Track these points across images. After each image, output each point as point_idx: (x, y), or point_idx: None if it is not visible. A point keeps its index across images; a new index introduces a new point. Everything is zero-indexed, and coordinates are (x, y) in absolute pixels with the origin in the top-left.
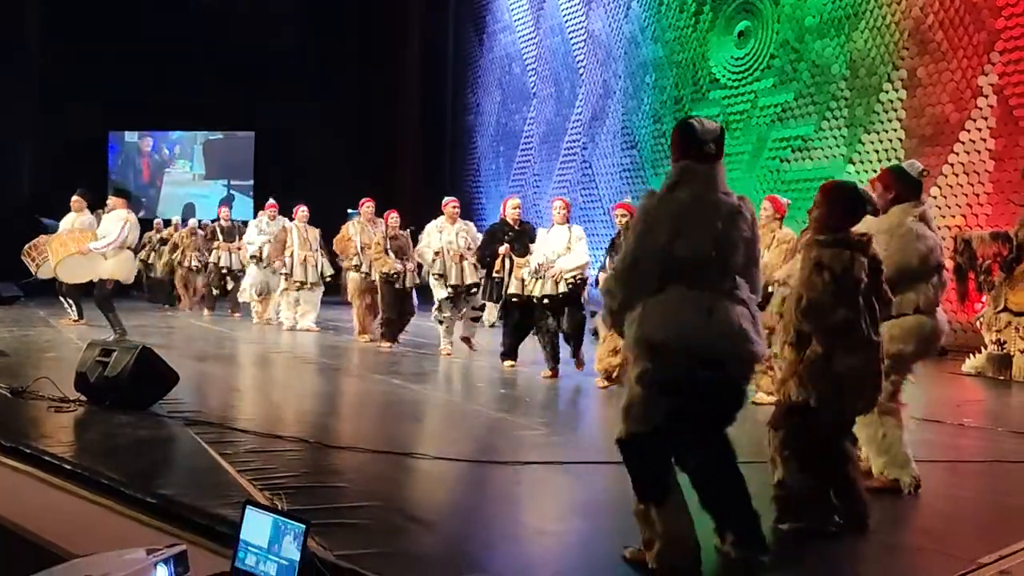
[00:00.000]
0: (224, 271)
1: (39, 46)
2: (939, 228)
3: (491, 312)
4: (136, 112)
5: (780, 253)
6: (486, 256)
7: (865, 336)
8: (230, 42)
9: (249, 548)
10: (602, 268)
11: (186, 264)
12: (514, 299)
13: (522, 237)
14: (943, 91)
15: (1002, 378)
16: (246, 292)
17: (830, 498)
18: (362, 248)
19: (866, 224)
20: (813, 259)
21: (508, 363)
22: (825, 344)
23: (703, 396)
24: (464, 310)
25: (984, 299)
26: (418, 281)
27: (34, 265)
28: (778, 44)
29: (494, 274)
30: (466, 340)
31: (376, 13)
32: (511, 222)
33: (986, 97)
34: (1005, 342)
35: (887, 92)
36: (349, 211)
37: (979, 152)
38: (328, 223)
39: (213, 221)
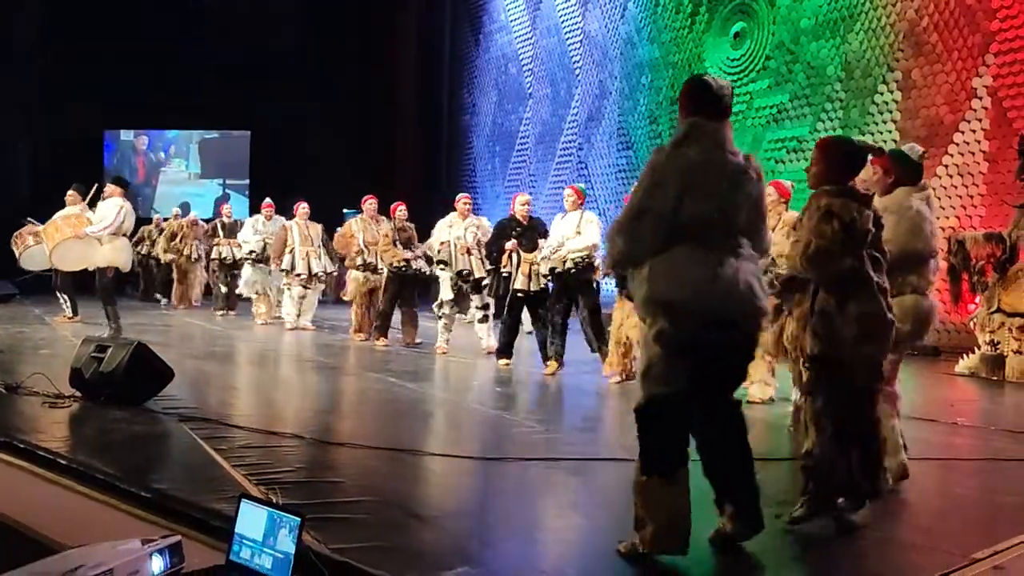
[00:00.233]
0: (228, 263)
1: (38, 46)
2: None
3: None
4: (135, 111)
5: (786, 235)
6: (493, 251)
7: (875, 282)
8: (229, 42)
9: (244, 541)
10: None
11: (186, 252)
12: (519, 294)
13: (530, 232)
14: (937, 93)
15: (995, 378)
16: (245, 290)
17: (846, 465)
18: (365, 245)
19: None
20: (822, 207)
21: (503, 361)
22: (836, 292)
23: (717, 357)
24: (470, 310)
25: (977, 300)
26: (426, 272)
27: (18, 251)
28: (774, 46)
29: (501, 269)
30: (493, 352)
31: (373, 13)
32: (520, 218)
33: (980, 99)
34: (998, 343)
35: (882, 94)
36: (345, 211)
37: (973, 154)
38: (324, 222)
39: (215, 217)
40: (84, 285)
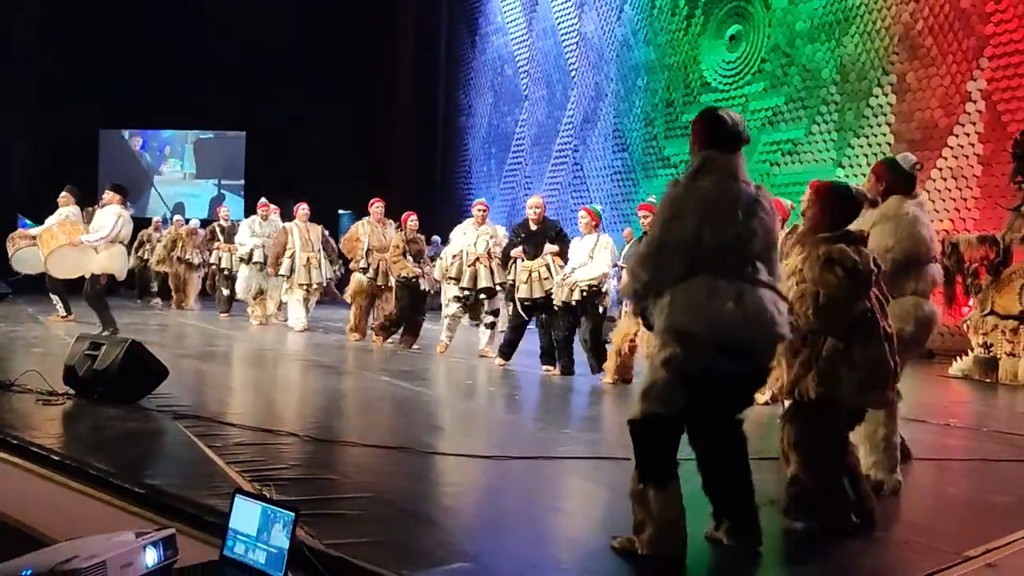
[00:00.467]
0: (227, 272)
1: (38, 46)
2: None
3: (505, 318)
4: (134, 111)
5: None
6: (504, 258)
7: (881, 327)
8: (229, 42)
9: (238, 536)
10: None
11: (186, 259)
12: (526, 302)
13: (534, 238)
14: (932, 96)
15: (988, 381)
16: (241, 292)
17: (846, 493)
18: (369, 250)
19: (864, 215)
20: (822, 256)
21: (500, 361)
22: (845, 338)
23: (726, 386)
24: (481, 315)
25: (971, 302)
26: (437, 286)
27: (13, 249)
28: (769, 48)
29: (508, 276)
30: (486, 354)
31: (370, 14)
32: (530, 223)
33: (974, 102)
34: (992, 345)
35: (877, 97)
36: (340, 211)
37: (967, 157)
38: (320, 223)
39: (212, 221)
40: (76, 287)
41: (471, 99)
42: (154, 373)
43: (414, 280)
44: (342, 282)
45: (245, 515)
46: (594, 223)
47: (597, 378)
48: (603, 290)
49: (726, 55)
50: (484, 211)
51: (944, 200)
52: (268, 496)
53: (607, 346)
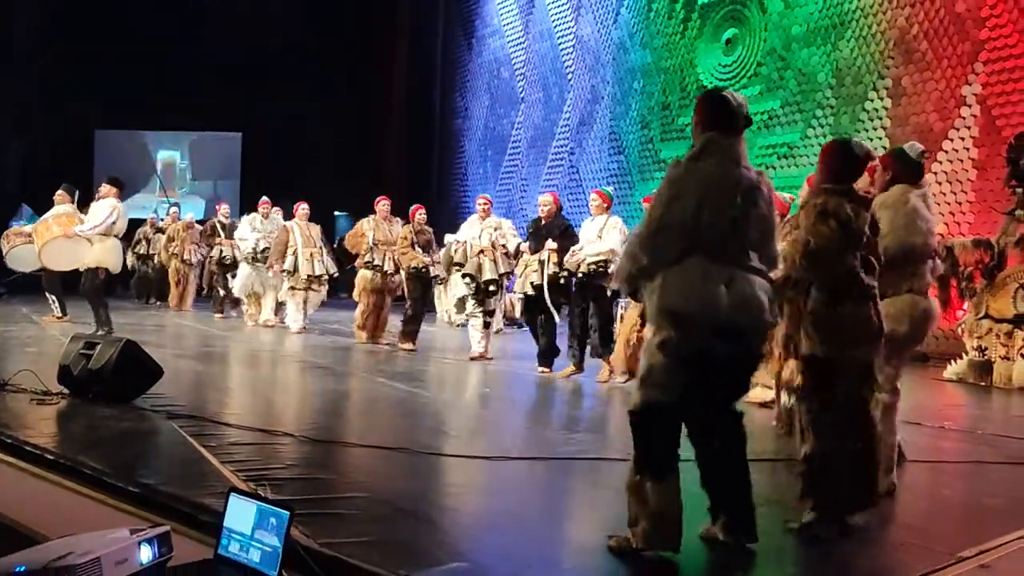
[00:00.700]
0: (228, 262)
1: (38, 46)
2: None
3: (498, 319)
4: (134, 111)
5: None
6: (516, 252)
7: (866, 285)
8: (228, 42)
9: (233, 535)
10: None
11: (184, 257)
12: (527, 297)
13: (540, 233)
14: (927, 100)
15: (983, 384)
16: (238, 290)
17: (851, 468)
18: (375, 244)
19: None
20: (819, 206)
21: (542, 369)
22: (829, 292)
23: (721, 369)
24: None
25: (966, 306)
26: (444, 277)
27: (8, 247)
28: (765, 52)
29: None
30: (476, 357)
31: (370, 14)
32: (541, 219)
33: (969, 107)
34: (986, 348)
35: (872, 101)
36: (336, 213)
37: (962, 161)
38: (316, 223)
39: (210, 218)
40: (72, 286)
41: (467, 101)
42: (149, 373)
43: (424, 269)
44: (345, 283)
45: (240, 514)
46: (605, 205)
47: (596, 370)
48: (610, 271)
49: (722, 59)
50: (487, 205)
51: (939, 204)
52: (263, 495)
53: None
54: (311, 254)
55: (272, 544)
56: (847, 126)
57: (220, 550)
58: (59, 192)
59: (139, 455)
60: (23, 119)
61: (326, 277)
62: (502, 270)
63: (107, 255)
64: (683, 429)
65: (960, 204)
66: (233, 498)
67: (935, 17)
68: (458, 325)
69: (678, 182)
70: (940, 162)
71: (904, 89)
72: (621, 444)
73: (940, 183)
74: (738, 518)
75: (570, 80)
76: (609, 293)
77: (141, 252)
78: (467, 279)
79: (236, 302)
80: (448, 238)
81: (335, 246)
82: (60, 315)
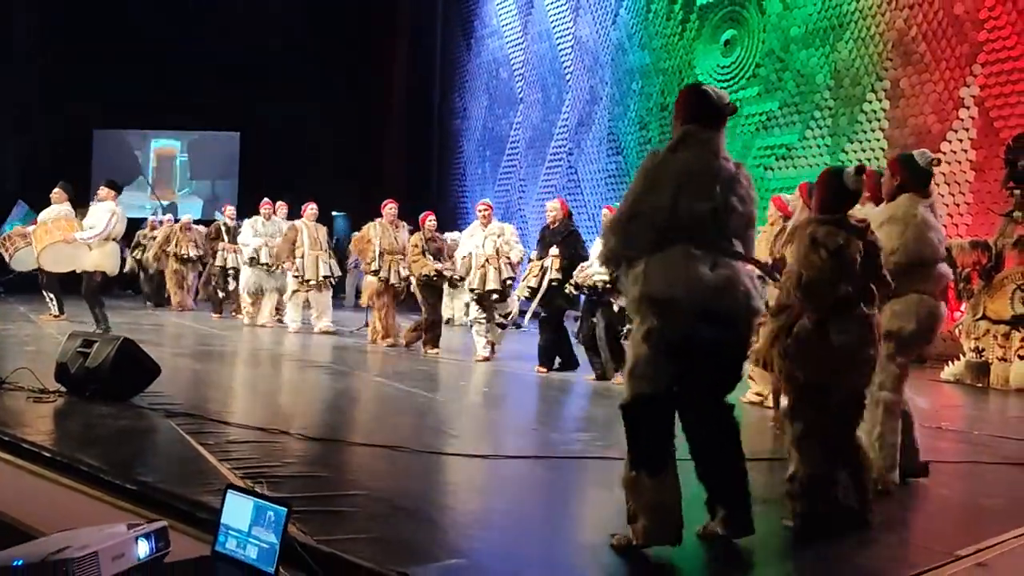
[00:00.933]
0: (230, 272)
1: (38, 46)
2: None
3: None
4: (134, 111)
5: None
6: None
7: (859, 312)
8: (227, 41)
9: (230, 532)
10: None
11: (182, 254)
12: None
13: (546, 239)
14: (925, 102)
15: (980, 385)
16: (241, 290)
17: (840, 484)
18: (381, 253)
19: (873, 211)
20: (808, 236)
21: (539, 368)
22: (821, 321)
23: (709, 355)
24: (495, 317)
25: (963, 307)
26: (459, 284)
27: (8, 254)
28: (763, 53)
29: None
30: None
31: (369, 14)
32: (548, 225)
33: (967, 108)
34: (983, 350)
35: (870, 102)
36: (334, 213)
37: (960, 163)
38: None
39: (213, 219)
40: (70, 285)
41: (466, 102)
42: (146, 371)
43: (435, 278)
44: (342, 284)
45: (237, 510)
46: None
47: (589, 374)
48: (619, 287)
49: (721, 60)
50: (487, 211)
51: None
52: (260, 491)
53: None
54: (316, 257)
55: (269, 541)
56: (845, 127)
57: (217, 547)
58: (56, 191)
59: (136, 453)
60: (23, 119)
61: (332, 280)
62: (505, 275)
63: (105, 259)
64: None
65: (958, 206)
66: (230, 495)
67: (933, 19)
68: (462, 326)
69: (654, 171)
70: (938, 164)
71: (902, 91)
72: (622, 443)
73: (938, 185)
74: (735, 511)
75: (569, 81)
76: (616, 308)
77: (138, 257)
78: (472, 292)
79: (237, 305)
80: (446, 236)
81: (333, 249)
82: (57, 314)
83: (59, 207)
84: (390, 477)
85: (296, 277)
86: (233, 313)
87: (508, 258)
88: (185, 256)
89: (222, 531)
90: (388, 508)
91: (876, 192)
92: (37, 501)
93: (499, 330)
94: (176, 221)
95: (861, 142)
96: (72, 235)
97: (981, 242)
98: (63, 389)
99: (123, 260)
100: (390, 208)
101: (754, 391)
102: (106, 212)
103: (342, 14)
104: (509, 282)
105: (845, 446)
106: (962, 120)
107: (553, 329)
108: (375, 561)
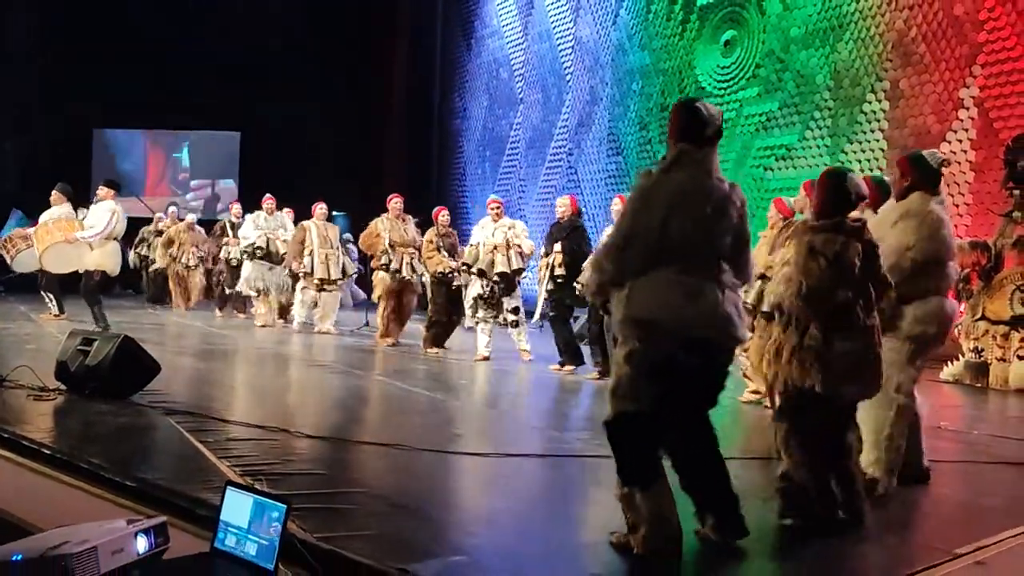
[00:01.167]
0: (235, 264)
1: (37, 46)
2: None
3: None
4: (134, 111)
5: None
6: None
7: (861, 321)
8: (227, 41)
9: (229, 528)
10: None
11: (183, 260)
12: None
13: (553, 235)
14: (925, 103)
15: (979, 385)
16: (244, 287)
17: (832, 489)
18: (391, 246)
19: (883, 209)
20: (806, 244)
21: (565, 368)
22: (823, 329)
23: (688, 379)
24: (502, 315)
25: (962, 307)
26: (466, 283)
27: (9, 256)
28: (763, 54)
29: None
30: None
31: (370, 14)
32: (557, 221)
33: (967, 109)
34: (982, 350)
35: (870, 103)
36: (334, 213)
37: (959, 163)
38: None
39: (214, 221)
40: (69, 284)
41: (466, 102)
42: (146, 369)
43: (450, 275)
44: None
45: (236, 507)
46: None
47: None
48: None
49: (721, 60)
50: (499, 207)
51: None
52: (260, 488)
53: None
54: (327, 255)
55: (269, 538)
56: (845, 128)
57: (216, 543)
58: (55, 193)
59: (136, 450)
60: (23, 119)
61: (341, 280)
62: (515, 266)
63: (106, 259)
64: None
65: (958, 206)
66: (230, 491)
67: (933, 20)
68: (467, 328)
69: (647, 193)
70: (948, 165)
71: (902, 91)
72: None
73: None
74: (725, 516)
75: (569, 81)
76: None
77: (143, 253)
78: (478, 273)
79: (244, 303)
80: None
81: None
82: (57, 313)
83: (59, 208)
84: (390, 475)
85: (304, 274)
86: (235, 312)
87: (519, 247)
88: (187, 263)
89: (221, 528)
90: (388, 506)
91: (876, 198)
92: (37, 498)
93: (515, 328)
94: (180, 220)
95: (861, 143)
96: (73, 235)
97: (980, 242)
98: (63, 387)
99: (124, 259)
100: (396, 202)
101: (751, 389)
102: (106, 211)
103: (342, 14)
104: (518, 272)
105: (833, 449)
106: (961, 121)
107: (562, 322)
108: (375, 558)
